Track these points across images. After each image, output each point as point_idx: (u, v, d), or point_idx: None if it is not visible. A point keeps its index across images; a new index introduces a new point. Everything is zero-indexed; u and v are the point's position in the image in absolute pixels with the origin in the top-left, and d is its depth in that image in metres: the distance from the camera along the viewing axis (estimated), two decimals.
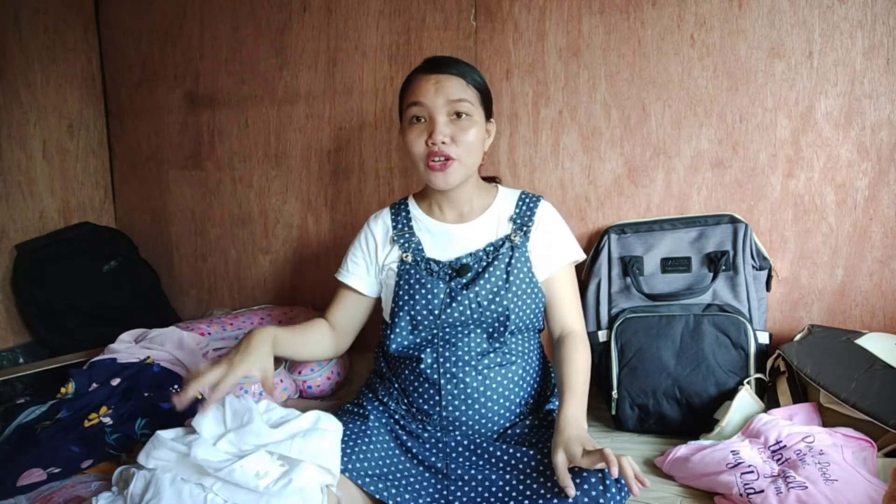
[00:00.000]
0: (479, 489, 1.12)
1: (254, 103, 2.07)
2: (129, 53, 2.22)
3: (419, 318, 1.25)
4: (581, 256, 1.36)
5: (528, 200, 1.34)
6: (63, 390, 1.42)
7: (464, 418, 1.20)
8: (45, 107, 2.09)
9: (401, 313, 1.27)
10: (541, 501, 1.03)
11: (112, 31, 2.24)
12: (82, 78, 2.20)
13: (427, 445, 1.22)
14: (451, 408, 1.21)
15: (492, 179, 1.43)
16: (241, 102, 2.08)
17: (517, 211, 1.32)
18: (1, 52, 1.95)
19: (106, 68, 2.27)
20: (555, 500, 1.02)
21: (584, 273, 1.63)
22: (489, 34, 1.75)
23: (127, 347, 1.59)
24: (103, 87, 2.28)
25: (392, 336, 1.27)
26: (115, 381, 1.42)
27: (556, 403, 1.26)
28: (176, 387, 1.45)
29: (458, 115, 1.22)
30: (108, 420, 1.32)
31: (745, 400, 1.34)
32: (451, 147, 1.21)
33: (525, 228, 1.30)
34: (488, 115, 1.31)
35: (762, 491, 1.07)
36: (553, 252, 1.31)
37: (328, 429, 1.07)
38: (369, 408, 1.26)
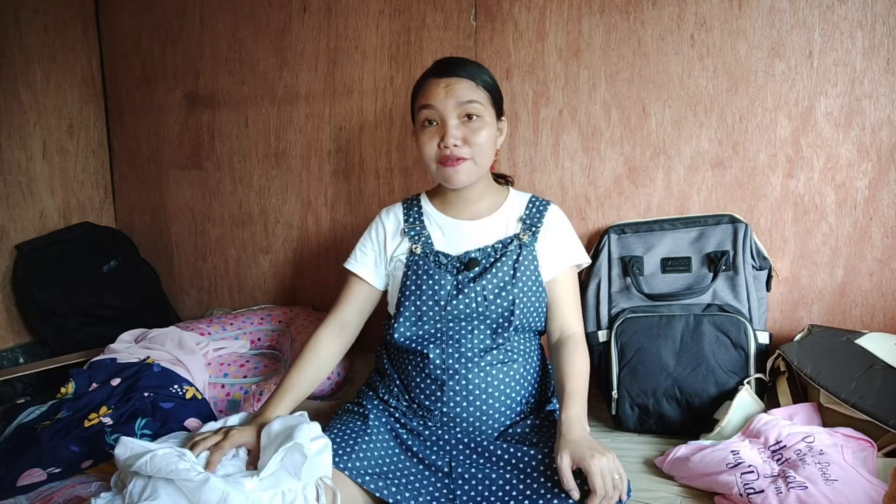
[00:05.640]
0: (480, 488, 1.12)
1: (254, 103, 2.07)
2: (129, 53, 2.22)
3: (425, 308, 1.26)
4: (586, 261, 1.38)
5: (538, 203, 1.37)
6: (63, 390, 1.42)
7: (465, 415, 1.21)
8: (45, 107, 2.09)
9: (406, 303, 1.27)
10: (541, 501, 1.03)
11: (112, 31, 2.24)
12: (82, 78, 2.20)
13: (428, 443, 1.22)
14: (452, 404, 1.21)
15: (504, 178, 1.45)
16: (241, 102, 2.08)
17: (527, 212, 1.35)
18: (1, 52, 1.96)
19: (106, 68, 2.27)
20: (555, 501, 1.02)
21: (584, 273, 1.63)
22: (489, 34, 1.75)
23: (127, 347, 1.59)
24: (103, 87, 2.28)
25: (396, 325, 1.27)
26: (115, 381, 1.42)
27: (557, 404, 1.26)
28: (176, 387, 1.45)
29: (469, 116, 1.24)
30: (108, 420, 1.32)
31: (745, 400, 1.34)
32: (462, 149, 1.24)
33: (534, 229, 1.32)
34: (499, 113, 1.32)
35: (762, 491, 1.07)
36: (559, 254, 1.33)
37: (303, 423, 1.08)
38: (369, 406, 1.27)
